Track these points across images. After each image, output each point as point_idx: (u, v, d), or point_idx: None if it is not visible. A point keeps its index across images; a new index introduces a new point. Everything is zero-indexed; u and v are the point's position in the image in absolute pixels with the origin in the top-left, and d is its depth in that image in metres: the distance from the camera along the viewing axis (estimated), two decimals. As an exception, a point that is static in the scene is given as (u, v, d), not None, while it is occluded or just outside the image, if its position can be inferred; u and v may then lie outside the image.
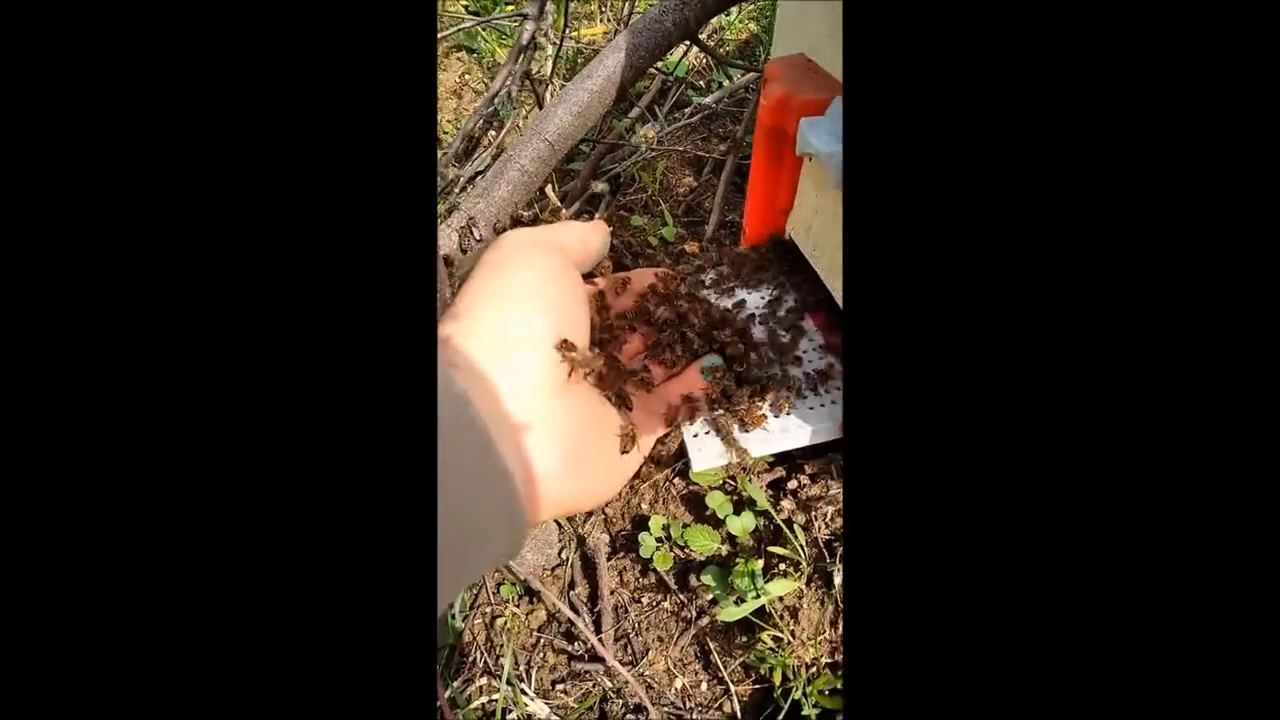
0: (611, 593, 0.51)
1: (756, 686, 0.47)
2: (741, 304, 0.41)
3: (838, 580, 0.46)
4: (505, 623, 0.50)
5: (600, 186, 0.68)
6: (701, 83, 0.96)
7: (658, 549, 0.51)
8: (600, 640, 0.48)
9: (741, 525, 0.50)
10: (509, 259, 0.25)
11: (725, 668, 0.47)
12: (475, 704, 0.47)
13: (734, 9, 1.00)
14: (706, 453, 0.34)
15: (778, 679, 0.45)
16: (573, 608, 0.50)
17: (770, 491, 0.52)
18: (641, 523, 0.53)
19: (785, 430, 0.35)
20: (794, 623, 0.46)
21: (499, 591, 0.52)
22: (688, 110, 0.87)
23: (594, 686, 0.47)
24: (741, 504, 0.51)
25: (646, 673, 0.48)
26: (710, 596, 0.49)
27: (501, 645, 0.49)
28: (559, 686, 0.48)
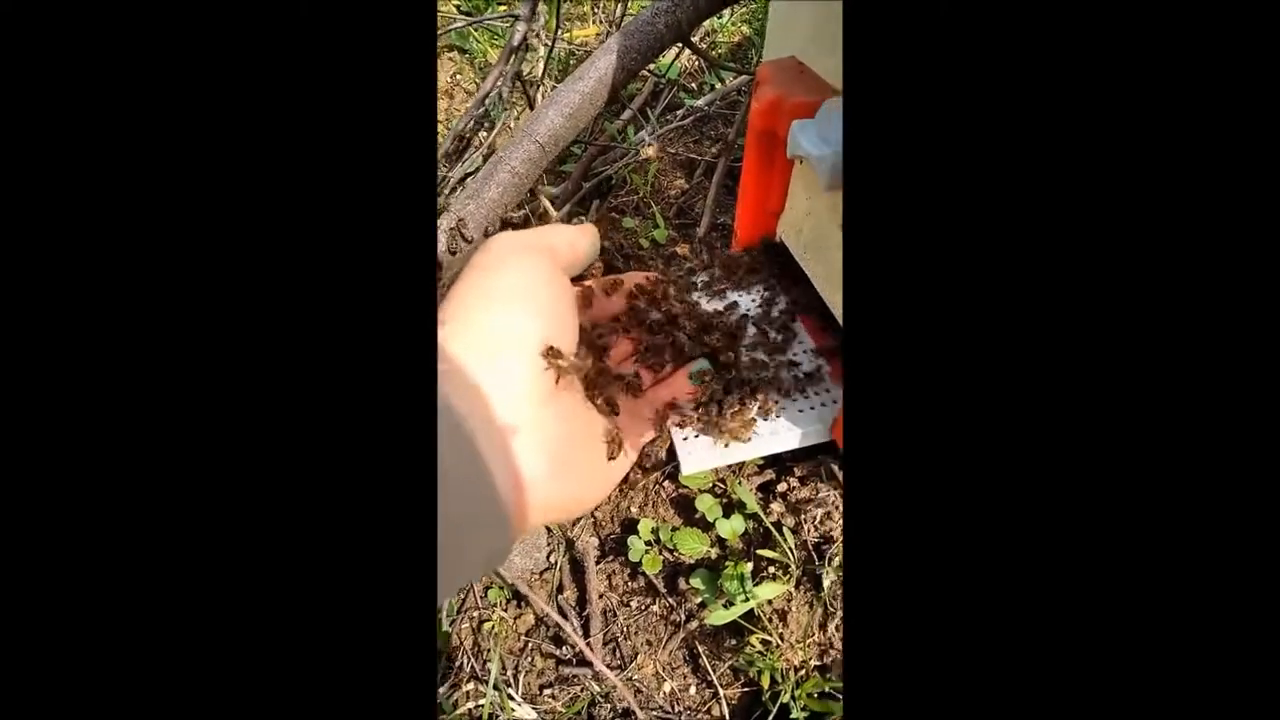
0: (600, 596, 0.51)
1: (745, 690, 0.47)
2: (734, 306, 0.41)
3: (826, 583, 0.46)
4: (493, 627, 0.50)
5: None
6: (693, 85, 0.96)
7: (647, 552, 0.51)
8: (589, 644, 0.48)
9: (731, 528, 0.50)
10: (498, 261, 0.25)
11: (714, 671, 0.47)
12: (462, 709, 0.46)
13: (726, 12, 1.00)
14: (696, 456, 0.34)
15: (766, 682, 0.45)
16: (561, 612, 0.50)
17: (760, 494, 0.52)
18: (630, 526, 0.53)
19: (775, 433, 0.35)
20: (783, 626, 0.46)
21: (486, 596, 0.51)
22: (680, 112, 0.87)
23: (582, 691, 0.47)
24: (731, 507, 0.51)
25: (635, 677, 0.47)
26: (699, 600, 0.49)
27: (489, 650, 0.49)
28: (547, 691, 0.48)
